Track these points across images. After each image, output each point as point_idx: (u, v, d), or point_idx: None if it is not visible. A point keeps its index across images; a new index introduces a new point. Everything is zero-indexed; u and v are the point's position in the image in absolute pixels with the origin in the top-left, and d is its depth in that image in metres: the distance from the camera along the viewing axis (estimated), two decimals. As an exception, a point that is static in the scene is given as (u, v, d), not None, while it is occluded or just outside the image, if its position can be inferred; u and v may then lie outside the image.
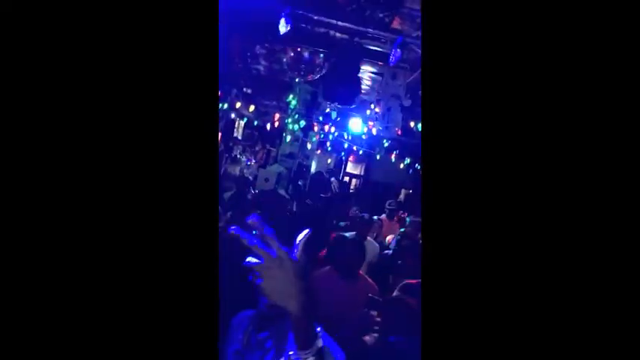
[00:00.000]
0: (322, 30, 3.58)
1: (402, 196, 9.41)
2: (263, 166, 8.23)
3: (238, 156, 8.08)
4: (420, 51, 3.27)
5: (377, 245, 4.28)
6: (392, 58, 3.25)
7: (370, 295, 2.28)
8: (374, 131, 6.23)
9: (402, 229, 4.44)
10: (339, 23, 3.18)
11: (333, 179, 8.43)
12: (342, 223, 4.55)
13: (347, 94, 4.30)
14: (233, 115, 7.20)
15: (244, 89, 6.47)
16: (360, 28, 3.19)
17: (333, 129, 7.29)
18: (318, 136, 7.59)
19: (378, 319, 2.10)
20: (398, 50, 3.18)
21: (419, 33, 3.10)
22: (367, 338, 2.09)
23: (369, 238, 4.21)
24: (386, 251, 4.08)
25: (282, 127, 7.47)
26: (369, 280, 2.73)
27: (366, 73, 4.81)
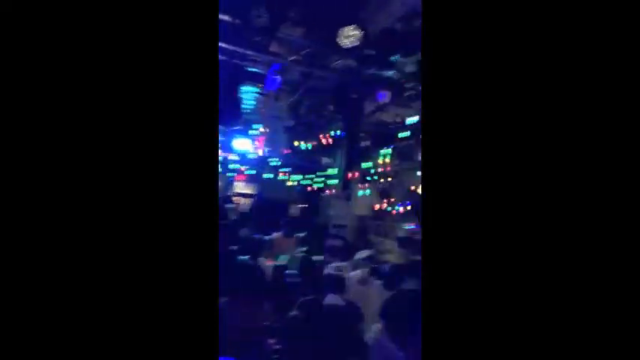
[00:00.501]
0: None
1: (294, 211, 9.58)
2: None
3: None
4: (297, 73, 3.42)
5: (270, 265, 4.24)
6: (271, 85, 3.33)
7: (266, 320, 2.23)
8: (260, 152, 6.28)
9: (303, 248, 4.47)
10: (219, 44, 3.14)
11: (228, 205, 8.16)
12: (233, 247, 4.40)
13: (230, 115, 4.24)
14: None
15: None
16: (239, 50, 3.20)
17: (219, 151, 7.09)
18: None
19: (278, 347, 2.07)
20: (278, 77, 3.27)
21: (296, 57, 3.25)
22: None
23: (262, 258, 4.15)
24: (288, 271, 4.06)
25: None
26: (267, 304, 2.67)
27: (249, 93, 4.83)
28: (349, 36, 2.85)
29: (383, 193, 7.31)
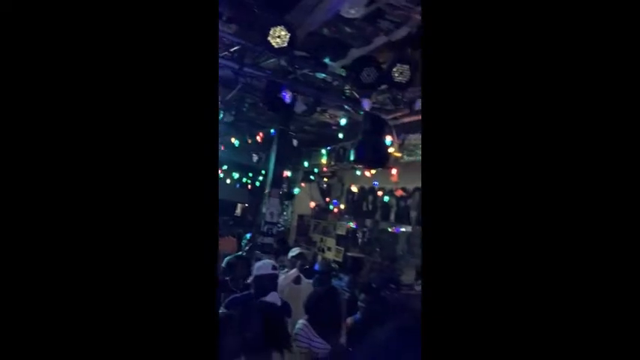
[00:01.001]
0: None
1: (238, 211, 9.43)
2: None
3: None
4: (229, 70, 3.40)
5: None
6: None
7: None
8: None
9: (245, 247, 4.40)
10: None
11: None
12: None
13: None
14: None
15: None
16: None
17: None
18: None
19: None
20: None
21: (226, 53, 3.23)
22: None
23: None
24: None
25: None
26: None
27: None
28: (278, 36, 2.89)
29: (323, 192, 7.45)
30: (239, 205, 9.31)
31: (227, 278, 3.34)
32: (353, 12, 2.27)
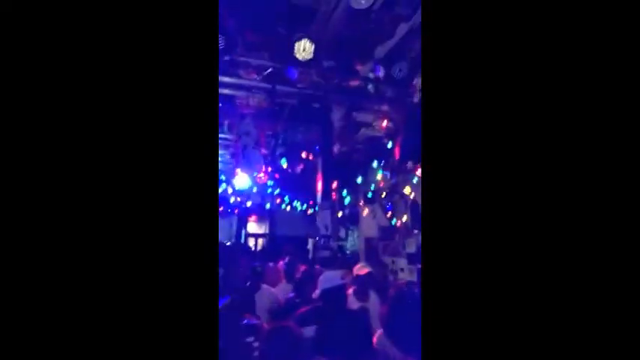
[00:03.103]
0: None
1: (310, 246, 9.38)
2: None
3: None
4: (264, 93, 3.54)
5: (273, 291, 4.16)
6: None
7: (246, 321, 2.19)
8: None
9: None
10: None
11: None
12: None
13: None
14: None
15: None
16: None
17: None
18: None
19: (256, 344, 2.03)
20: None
21: (257, 78, 3.39)
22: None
23: (264, 285, 4.09)
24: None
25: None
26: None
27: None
28: (303, 49, 2.96)
29: (386, 209, 7.20)
30: (310, 240, 9.21)
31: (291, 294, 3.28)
32: (363, 2, 2.25)
